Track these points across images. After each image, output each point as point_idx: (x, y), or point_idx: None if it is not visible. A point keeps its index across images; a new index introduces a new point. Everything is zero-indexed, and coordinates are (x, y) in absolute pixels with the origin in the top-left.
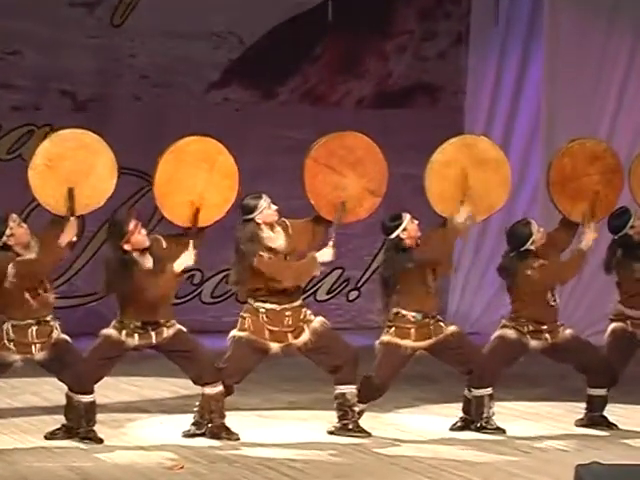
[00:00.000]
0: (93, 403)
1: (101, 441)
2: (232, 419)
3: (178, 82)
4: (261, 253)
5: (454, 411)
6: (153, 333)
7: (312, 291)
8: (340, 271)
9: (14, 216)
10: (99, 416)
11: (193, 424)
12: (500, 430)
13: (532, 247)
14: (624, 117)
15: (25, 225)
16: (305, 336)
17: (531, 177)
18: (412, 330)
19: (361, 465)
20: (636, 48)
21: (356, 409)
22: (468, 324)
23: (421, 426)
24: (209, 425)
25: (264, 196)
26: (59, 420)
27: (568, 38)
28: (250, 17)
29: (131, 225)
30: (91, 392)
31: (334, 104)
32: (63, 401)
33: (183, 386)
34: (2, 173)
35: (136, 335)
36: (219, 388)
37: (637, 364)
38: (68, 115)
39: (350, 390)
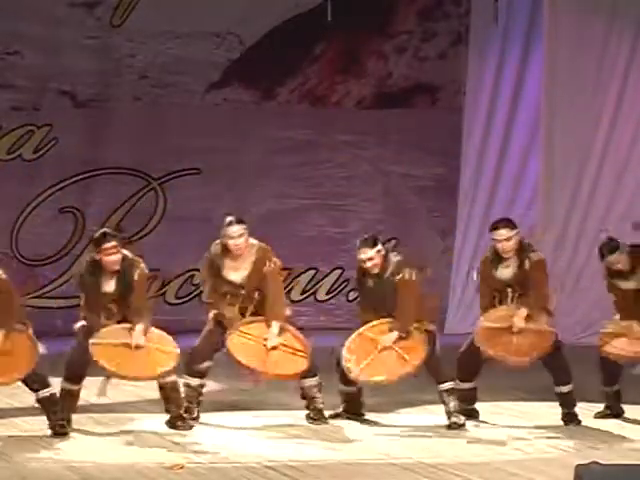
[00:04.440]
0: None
1: (65, 434)
2: (232, 419)
3: (178, 82)
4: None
5: None
6: None
7: (312, 291)
8: (340, 271)
9: None
10: (100, 416)
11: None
12: (460, 426)
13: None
14: (624, 117)
15: None
16: None
17: (531, 177)
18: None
19: (361, 465)
20: (636, 48)
21: (318, 398)
22: (468, 324)
23: (421, 426)
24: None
25: (236, 224)
26: None
27: (568, 38)
28: (250, 17)
29: (108, 244)
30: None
31: (334, 104)
32: None
33: None
34: (2, 173)
35: None
36: (171, 378)
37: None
38: (68, 115)
39: (308, 383)
